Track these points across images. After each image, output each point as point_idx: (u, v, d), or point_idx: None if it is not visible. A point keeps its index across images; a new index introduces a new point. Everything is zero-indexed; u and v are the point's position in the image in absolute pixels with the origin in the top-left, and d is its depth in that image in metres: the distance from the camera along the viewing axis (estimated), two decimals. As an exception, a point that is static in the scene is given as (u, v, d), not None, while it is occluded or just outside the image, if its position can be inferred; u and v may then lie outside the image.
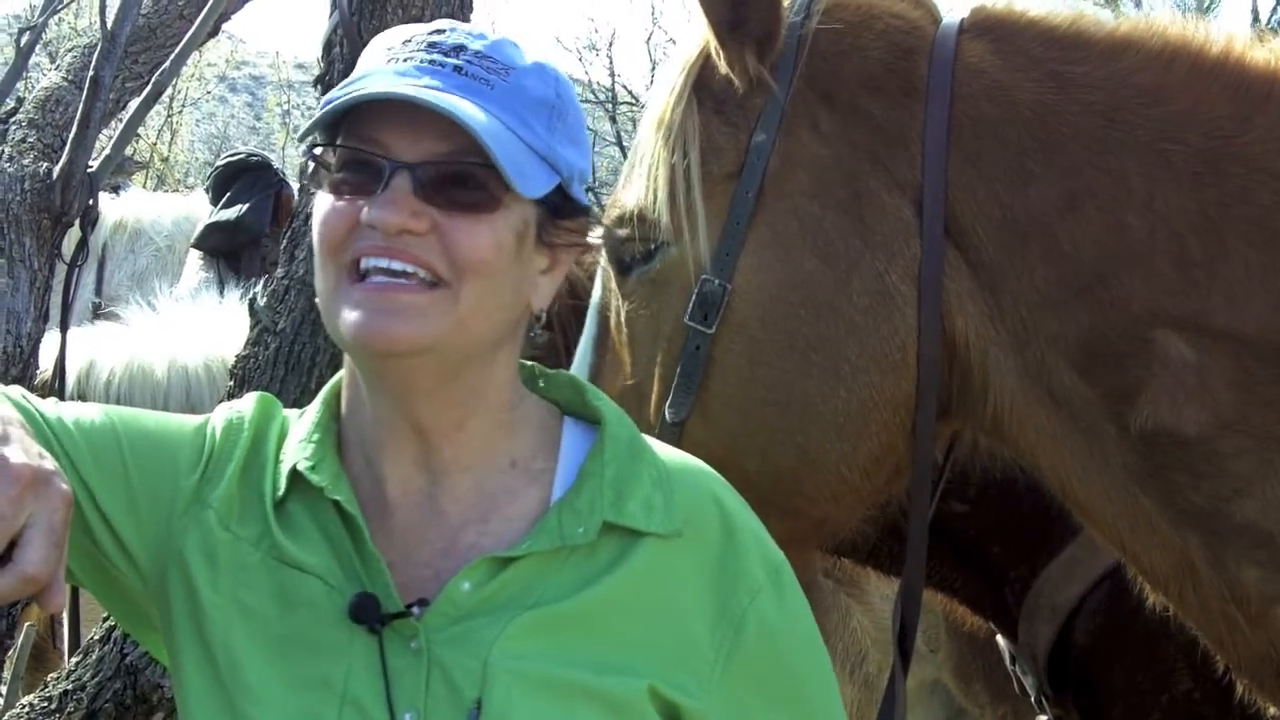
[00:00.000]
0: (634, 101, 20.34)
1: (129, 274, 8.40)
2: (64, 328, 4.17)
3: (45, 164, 4.16)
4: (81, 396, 4.56)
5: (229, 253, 8.11)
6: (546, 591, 1.69)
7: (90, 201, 4.07)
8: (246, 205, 8.11)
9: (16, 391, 1.77)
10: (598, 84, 21.71)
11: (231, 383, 3.31)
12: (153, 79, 4.07)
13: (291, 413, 1.86)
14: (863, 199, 2.31)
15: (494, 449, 1.76)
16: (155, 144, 17.68)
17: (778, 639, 1.76)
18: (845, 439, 2.31)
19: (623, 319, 2.43)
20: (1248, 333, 2.19)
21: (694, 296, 2.33)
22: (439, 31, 1.72)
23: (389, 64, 1.70)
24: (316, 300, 1.73)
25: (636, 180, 2.40)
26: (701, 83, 2.39)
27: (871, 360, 2.29)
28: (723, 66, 2.38)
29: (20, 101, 4.85)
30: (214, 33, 5.06)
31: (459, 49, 1.70)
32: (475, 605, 1.68)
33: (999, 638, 3.30)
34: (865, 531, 2.61)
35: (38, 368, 4.19)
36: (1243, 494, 2.21)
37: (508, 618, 1.67)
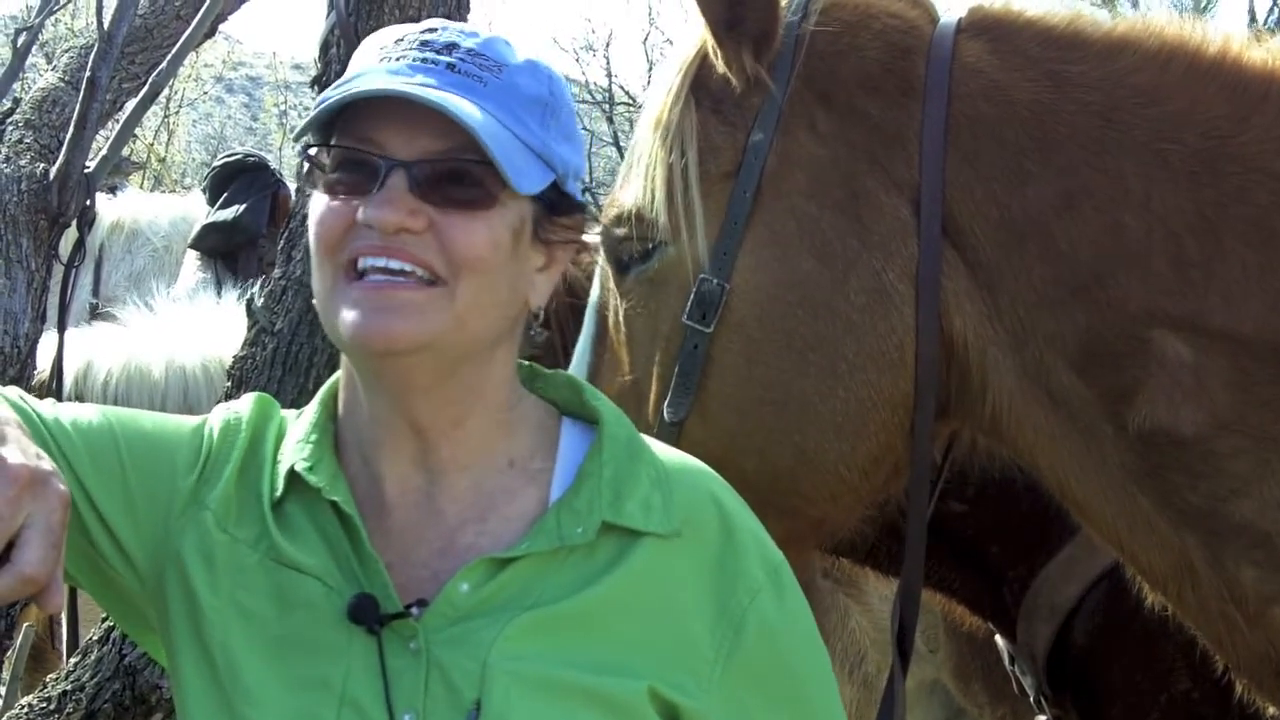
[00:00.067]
0: (631, 102, 20.31)
1: (126, 274, 8.40)
2: (61, 328, 4.17)
3: (42, 165, 4.17)
4: (79, 397, 4.56)
5: (226, 253, 8.11)
6: (545, 592, 1.69)
7: (87, 202, 4.07)
8: (243, 206, 8.11)
9: (14, 392, 1.77)
10: (594, 84, 21.68)
11: (229, 383, 3.30)
12: (149, 80, 4.07)
13: (289, 413, 1.86)
14: (860, 199, 2.31)
15: (492, 448, 1.76)
16: (152, 144, 17.66)
17: (777, 639, 1.76)
18: (843, 438, 2.31)
19: (621, 318, 2.43)
20: (1245, 333, 2.19)
21: (692, 296, 2.33)
22: (431, 30, 1.72)
23: (382, 63, 1.70)
24: (314, 301, 1.73)
25: (634, 180, 2.40)
26: (699, 82, 2.39)
27: (869, 359, 2.29)
28: (720, 66, 2.38)
29: (17, 102, 4.86)
30: (211, 33, 5.07)
31: (451, 47, 1.70)
32: (474, 606, 1.68)
33: (998, 638, 3.30)
34: (864, 531, 2.61)
35: (35, 368, 4.19)
36: (1240, 494, 2.21)
37: (506, 618, 1.67)
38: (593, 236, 2.52)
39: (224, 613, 1.73)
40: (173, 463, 1.79)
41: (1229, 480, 2.20)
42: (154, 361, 4.77)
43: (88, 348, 4.83)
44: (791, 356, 2.30)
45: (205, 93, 23.05)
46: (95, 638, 3.15)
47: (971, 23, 2.38)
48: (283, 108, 22.34)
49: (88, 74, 3.94)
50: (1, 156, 4.24)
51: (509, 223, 1.69)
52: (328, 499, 1.73)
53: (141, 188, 14.42)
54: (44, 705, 3.06)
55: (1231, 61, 2.27)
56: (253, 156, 8.80)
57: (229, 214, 8.11)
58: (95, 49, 4.00)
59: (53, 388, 4.07)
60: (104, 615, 3.03)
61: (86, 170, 4.06)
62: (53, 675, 3.20)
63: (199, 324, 4.98)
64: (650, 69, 20.60)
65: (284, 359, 3.21)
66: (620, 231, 2.41)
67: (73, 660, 3.17)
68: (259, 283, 3.55)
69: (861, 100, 2.34)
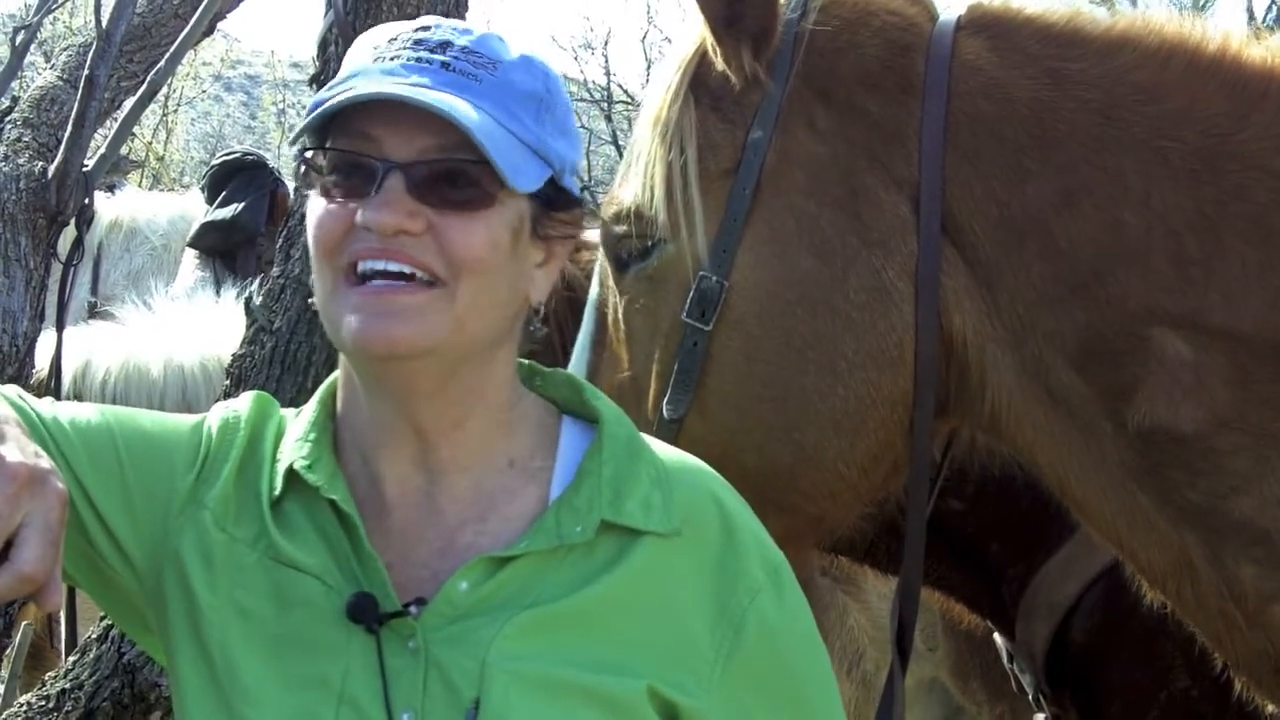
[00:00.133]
0: (629, 100, 20.33)
1: (124, 273, 8.40)
2: (59, 327, 4.17)
3: (40, 163, 4.17)
4: (77, 396, 4.56)
5: (224, 252, 8.11)
6: (544, 591, 1.69)
7: (85, 200, 4.07)
8: (242, 204, 8.11)
9: (13, 391, 1.77)
10: (593, 83, 21.70)
11: (228, 382, 3.30)
12: (148, 78, 4.08)
13: (289, 412, 1.86)
14: (859, 196, 2.30)
15: (492, 448, 1.76)
16: (150, 143, 17.65)
17: (778, 639, 1.75)
18: (843, 436, 2.31)
19: (620, 316, 2.43)
20: (1245, 330, 2.19)
21: (691, 293, 2.33)
22: (424, 28, 1.71)
23: (375, 63, 1.69)
24: (313, 301, 1.73)
25: (634, 177, 2.40)
26: (698, 80, 2.39)
27: (869, 357, 2.29)
28: (719, 63, 2.38)
29: (15, 100, 4.86)
30: (209, 32, 5.07)
31: (445, 45, 1.69)
32: (473, 605, 1.68)
33: (996, 636, 3.30)
34: (863, 529, 2.61)
35: (33, 367, 4.19)
36: (1240, 491, 2.21)
37: (505, 617, 1.67)
38: (592, 234, 2.52)
39: (222, 612, 1.72)
40: (171, 462, 1.79)
41: (1228, 478, 2.20)
42: (152, 360, 4.77)
43: (86, 346, 4.83)
44: (791, 354, 2.30)
45: (204, 91, 23.06)
46: (94, 636, 3.15)
47: (971, 20, 2.38)
48: (281, 106, 22.35)
49: (86, 72, 3.94)
50: (0, 155, 4.24)
51: (507, 221, 1.69)
52: (326, 497, 1.73)
53: (140, 186, 14.42)
54: (43, 703, 3.06)
55: (1231, 59, 2.27)
56: (251, 155, 8.80)
57: (227, 212, 8.11)
58: (94, 47, 4.00)
59: (51, 386, 4.07)
60: (103, 613, 3.02)
61: (85, 168, 4.06)
62: (51, 673, 3.20)
63: (197, 322, 4.98)
64: (649, 67, 20.62)
65: (282, 357, 3.21)
66: (619, 229, 2.41)
67: (71, 658, 3.17)
68: (257, 281, 3.55)
69: (861, 98, 2.34)
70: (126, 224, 8.58)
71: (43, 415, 1.75)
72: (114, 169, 9.25)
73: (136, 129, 13.26)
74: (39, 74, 5.47)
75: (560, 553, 1.71)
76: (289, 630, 1.71)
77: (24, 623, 3.33)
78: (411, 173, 1.64)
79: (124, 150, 9.64)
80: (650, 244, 2.38)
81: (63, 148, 4.03)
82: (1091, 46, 2.31)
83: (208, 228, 8.14)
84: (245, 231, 8.08)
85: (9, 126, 4.45)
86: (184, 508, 1.77)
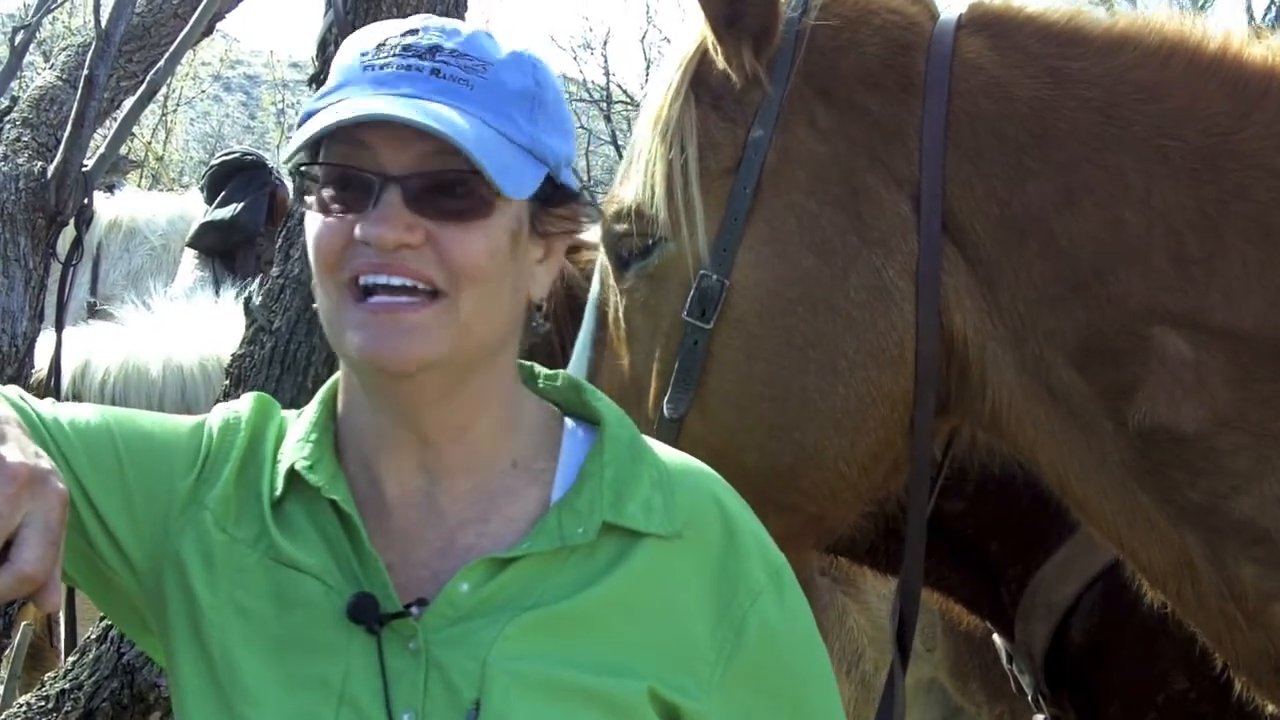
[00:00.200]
0: (629, 100, 20.33)
1: (124, 273, 8.40)
2: (59, 327, 4.17)
3: (40, 163, 4.17)
4: (76, 396, 4.56)
5: (224, 252, 8.11)
6: (546, 592, 1.69)
7: (85, 200, 4.07)
8: (241, 204, 8.11)
9: (13, 391, 1.76)
10: (592, 83, 21.70)
11: (227, 382, 3.30)
12: (147, 78, 4.08)
13: (290, 413, 1.86)
14: (860, 195, 2.30)
15: (496, 450, 1.75)
16: (150, 143, 17.65)
17: (779, 641, 1.75)
18: (843, 434, 2.31)
19: (621, 314, 2.43)
20: (1245, 329, 2.19)
21: (692, 292, 2.33)
22: (413, 32, 1.70)
23: (365, 71, 1.68)
24: (316, 306, 1.73)
25: (634, 176, 2.40)
26: (699, 78, 2.39)
27: (869, 356, 2.29)
28: (720, 62, 2.38)
29: (15, 100, 4.86)
30: (208, 32, 5.07)
31: (434, 50, 1.67)
32: (474, 606, 1.68)
33: (995, 636, 3.30)
34: (863, 528, 2.61)
35: (33, 367, 4.19)
36: (1240, 491, 2.21)
37: (506, 618, 1.67)
38: (591, 234, 2.52)
39: (223, 612, 1.72)
40: (171, 462, 1.78)
41: (1229, 477, 2.20)
42: (152, 360, 4.76)
43: (85, 346, 4.83)
44: (791, 353, 2.30)
45: (203, 91, 23.05)
46: (93, 636, 3.15)
47: (972, 19, 2.38)
48: (280, 106, 22.34)
49: (85, 72, 3.94)
50: (0, 154, 4.24)
51: (506, 226, 1.68)
52: (327, 498, 1.73)
53: (139, 186, 14.43)
54: (42, 704, 3.06)
55: (1232, 58, 2.27)
56: (250, 155, 8.80)
57: (227, 212, 8.11)
58: (93, 47, 4.00)
59: (50, 386, 4.07)
60: (102, 614, 3.02)
61: (84, 168, 4.06)
62: (51, 674, 3.20)
63: (197, 322, 4.98)
64: (648, 67, 20.62)
65: (282, 357, 3.21)
66: (620, 227, 2.41)
67: (71, 659, 3.17)
68: (257, 281, 3.54)
69: (861, 96, 2.34)
70: (126, 224, 8.59)
71: (43, 416, 1.75)
72: (113, 169, 9.26)
73: (136, 129, 13.26)
74: (38, 74, 5.47)
75: (562, 554, 1.70)
76: (289, 631, 1.70)
77: (23, 623, 3.32)
78: (408, 185, 1.63)
79: (123, 150, 9.64)
80: (651, 242, 2.38)
81: (62, 148, 4.03)
82: (1092, 45, 2.31)
83: (207, 228, 8.14)
84: (244, 231, 8.08)
85: (8, 126, 4.45)
86: (184, 508, 1.76)
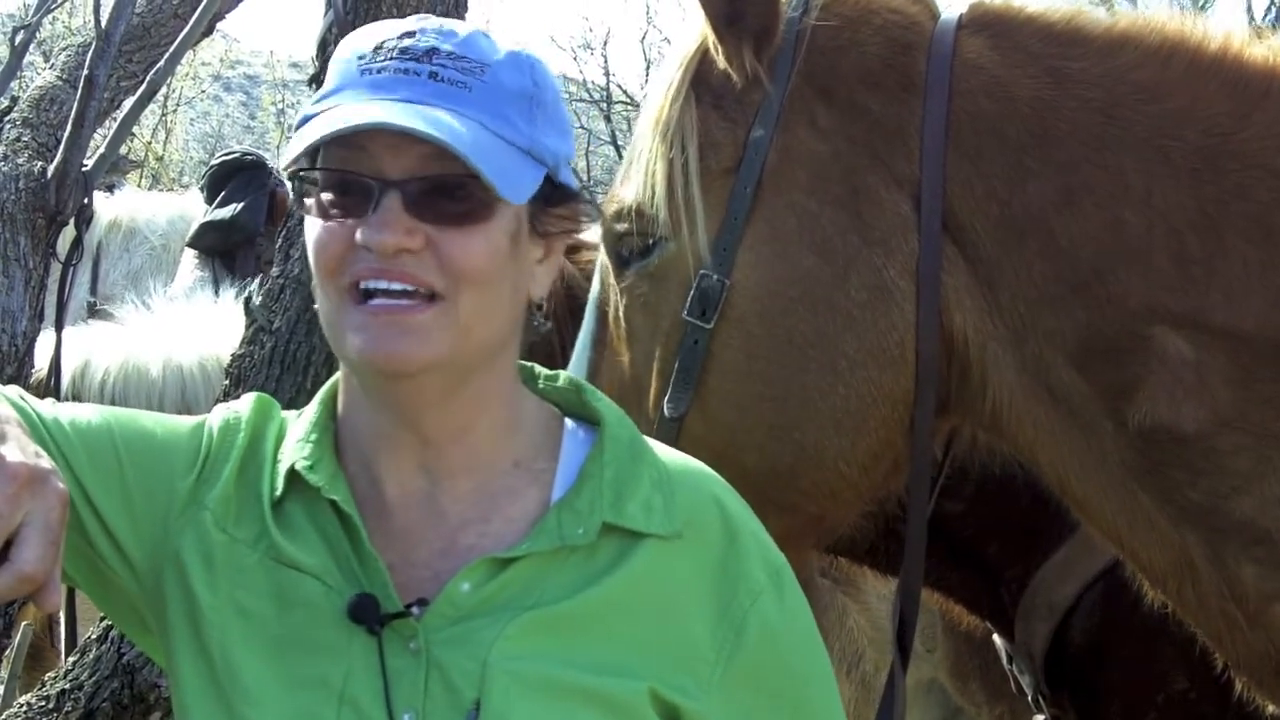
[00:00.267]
0: (628, 101, 20.33)
1: (124, 273, 8.41)
2: (59, 327, 4.17)
3: (40, 163, 4.16)
4: (76, 396, 4.56)
5: (224, 251, 8.11)
6: (546, 592, 1.69)
7: (85, 200, 4.07)
8: (241, 204, 8.11)
9: (13, 391, 1.76)
10: (592, 83, 21.70)
11: (227, 382, 3.30)
12: (147, 78, 4.07)
13: (290, 414, 1.85)
14: (861, 195, 2.31)
15: (498, 450, 1.75)
16: (150, 143, 17.65)
17: (779, 641, 1.75)
18: (843, 434, 2.31)
19: (621, 314, 2.43)
20: (1246, 330, 2.19)
21: (692, 291, 2.33)
22: (410, 35, 1.69)
23: (362, 76, 1.67)
24: (316, 306, 1.73)
25: (635, 175, 2.40)
26: (700, 78, 2.39)
27: (870, 356, 2.29)
28: (721, 62, 2.38)
29: (15, 100, 4.85)
30: (208, 32, 5.06)
31: (432, 53, 1.67)
32: (474, 606, 1.67)
33: (995, 637, 3.30)
34: (863, 528, 2.61)
35: (33, 367, 4.19)
36: (1241, 491, 2.21)
37: (507, 618, 1.67)
38: (592, 234, 2.52)
39: (223, 612, 1.72)
40: (171, 463, 1.78)
41: (1230, 477, 2.20)
42: (151, 360, 4.76)
43: (85, 346, 4.82)
44: (792, 352, 2.30)
45: (203, 91, 23.05)
46: (94, 636, 3.15)
47: (972, 19, 2.38)
48: (280, 106, 22.34)
49: (85, 72, 3.94)
50: (0, 155, 4.24)
51: (506, 228, 1.68)
52: (327, 498, 1.73)
53: (139, 186, 14.42)
54: (42, 704, 3.06)
55: (1233, 58, 2.27)
56: (250, 155, 8.80)
57: (227, 212, 8.11)
58: (93, 47, 4.00)
59: (50, 386, 4.06)
60: (102, 614, 3.02)
61: (84, 168, 4.06)
62: (51, 674, 3.20)
63: (197, 322, 4.97)
64: (648, 68, 20.62)
65: (282, 357, 3.21)
66: (621, 227, 2.41)
67: (71, 659, 3.17)
68: (257, 281, 3.54)
69: (862, 96, 2.34)
70: (126, 224, 8.59)
71: (43, 416, 1.75)
72: (113, 169, 9.25)
73: (136, 129, 13.26)
74: (38, 74, 5.47)
75: (562, 554, 1.70)
76: (290, 631, 1.70)
77: (24, 623, 3.32)
78: (407, 189, 1.63)
79: (123, 150, 9.64)
80: (651, 242, 2.38)
81: (62, 147, 4.02)
82: (1093, 45, 2.31)
83: (207, 227, 8.14)
84: (244, 231, 8.08)
85: (8, 126, 4.45)
86: (184, 509, 1.76)
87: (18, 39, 4.74)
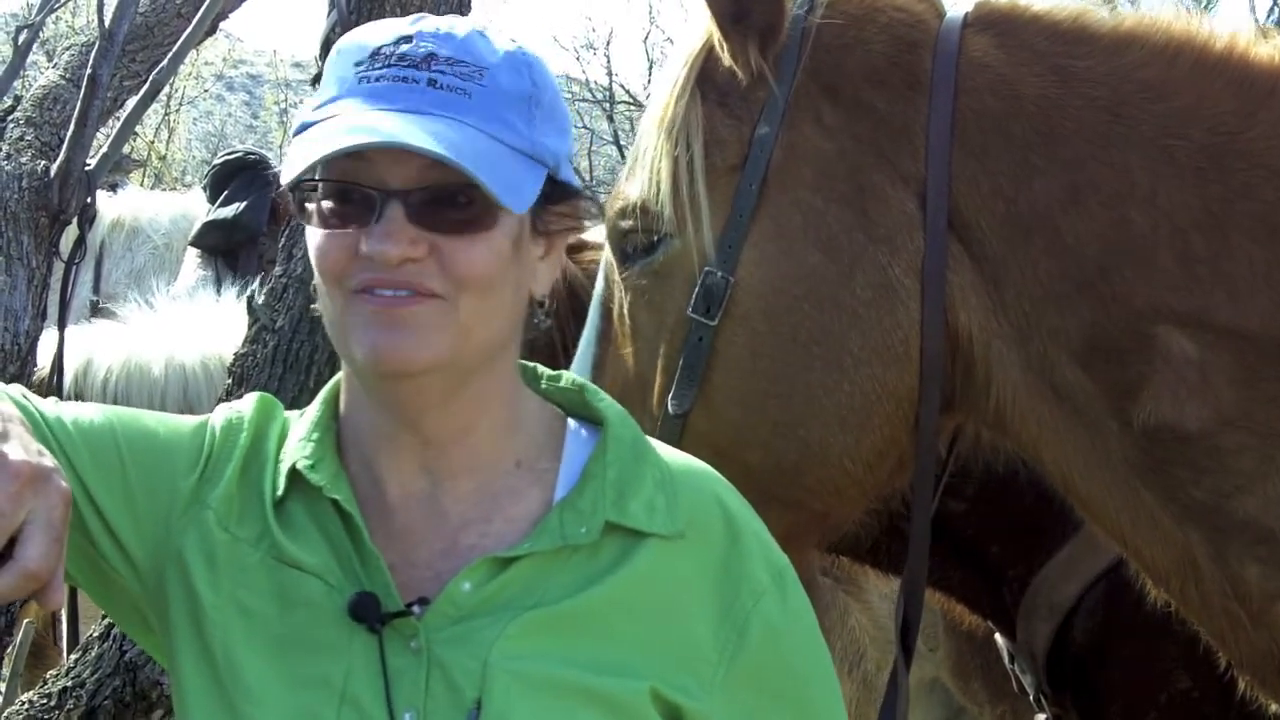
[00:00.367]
0: (631, 101, 20.35)
1: (126, 272, 8.42)
2: (61, 326, 4.17)
3: (43, 162, 4.16)
4: (79, 395, 4.56)
5: (226, 251, 8.12)
6: (548, 592, 1.68)
7: (88, 199, 4.07)
8: (244, 203, 8.12)
9: (16, 390, 1.76)
10: (595, 83, 21.71)
11: (229, 381, 3.30)
12: (150, 77, 4.08)
13: (292, 413, 1.85)
14: (866, 192, 2.30)
15: (500, 450, 1.75)
16: (153, 142, 17.68)
17: (781, 641, 1.75)
18: (848, 432, 2.31)
19: (625, 311, 2.43)
20: (1251, 329, 2.19)
21: (697, 289, 2.33)
22: (406, 40, 1.67)
23: (360, 83, 1.67)
24: (317, 308, 1.72)
25: (639, 172, 2.40)
26: (705, 75, 2.39)
27: (874, 353, 2.29)
28: (726, 59, 2.38)
29: (18, 100, 4.86)
30: (211, 31, 5.07)
31: (430, 58, 1.66)
32: (476, 605, 1.67)
33: (997, 636, 3.30)
34: (866, 526, 2.61)
35: (35, 366, 4.19)
36: (1244, 490, 2.21)
37: (508, 618, 1.66)
38: (596, 232, 2.52)
39: (225, 611, 1.72)
40: (174, 462, 1.78)
41: (1233, 476, 2.20)
42: (154, 359, 4.77)
43: (88, 345, 4.83)
44: (796, 350, 2.30)
45: (206, 90, 23.09)
46: (96, 634, 3.15)
47: (978, 17, 2.38)
48: (283, 106, 22.37)
49: (89, 71, 3.94)
50: (2, 154, 4.24)
51: (508, 233, 1.67)
52: (329, 497, 1.72)
53: (142, 185, 14.43)
54: (44, 701, 3.06)
55: (1238, 57, 2.27)
56: (253, 154, 8.81)
57: (229, 211, 8.12)
58: (96, 47, 4.00)
59: (53, 385, 4.07)
60: (104, 612, 3.02)
61: (87, 168, 4.06)
62: (53, 672, 3.20)
63: (199, 321, 4.98)
64: (651, 67, 20.63)
65: (284, 356, 3.21)
66: (625, 224, 2.40)
67: (73, 657, 3.17)
68: (259, 280, 3.54)
69: (867, 94, 2.34)
70: (129, 223, 8.60)
71: (46, 414, 1.75)
72: (116, 168, 9.24)
73: (139, 128, 13.27)
74: (42, 73, 5.47)
75: (564, 554, 1.70)
76: (291, 630, 1.70)
77: (26, 621, 3.32)
78: (410, 199, 1.62)
79: (126, 149, 9.63)
80: (656, 239, 2.38)
81: (65, 147, 4.02)
82: (1099, 44, 2.31)
83: (210, 227, 8.15)
84: (247, 230, 8.09)
85: (12, 125, 4.45)
86: (187, 508, 1.76)
87: (21, 38, 4.74)
